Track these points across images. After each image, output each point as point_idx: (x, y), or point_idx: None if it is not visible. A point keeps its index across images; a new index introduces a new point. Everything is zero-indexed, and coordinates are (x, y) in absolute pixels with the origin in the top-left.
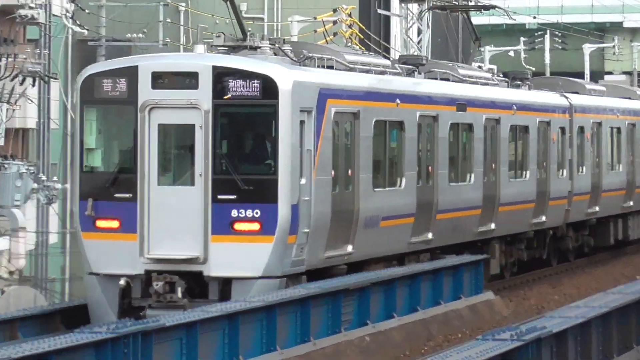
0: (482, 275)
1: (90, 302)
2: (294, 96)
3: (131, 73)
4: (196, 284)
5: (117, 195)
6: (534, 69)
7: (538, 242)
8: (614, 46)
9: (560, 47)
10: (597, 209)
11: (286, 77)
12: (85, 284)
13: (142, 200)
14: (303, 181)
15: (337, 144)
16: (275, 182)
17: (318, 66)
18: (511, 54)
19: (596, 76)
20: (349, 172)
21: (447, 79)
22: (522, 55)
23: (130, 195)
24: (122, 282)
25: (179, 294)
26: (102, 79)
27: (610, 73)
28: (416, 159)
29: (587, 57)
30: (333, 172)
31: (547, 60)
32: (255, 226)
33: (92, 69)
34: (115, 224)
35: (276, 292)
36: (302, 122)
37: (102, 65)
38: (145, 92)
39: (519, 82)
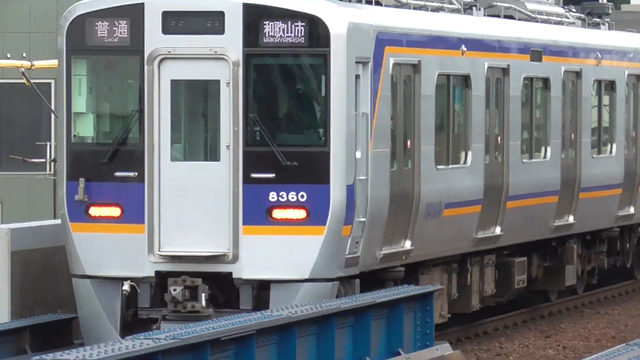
0: (432, 316)
1: (83, 314)
2: (350, 43)
3: (135, 13)
4: (223, 289)
5: (117, 174)
6: None
7: (622, 243)
8: None
9: None
10: None
11: (339, 17)
12: (76, 290)
13: (150, 180)
14: (359, 155)
15: (396, 105)
16: (326, 155)
17: (360, 1)
18: None
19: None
20: (408, 143)
21: (512, 17)
22: None
23: (135, 173)
24: (125, 287)
25: (203, 302)
26: (96, 20)
27: None
28: (484, 126)
29: None
30: (391, 144)
31: None
32: (302, 213)
33: (82, 8)
34: (115, 211)
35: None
36: (357, 77)
37: (95, 3)
38: (154, 38)
39: (597, 20)
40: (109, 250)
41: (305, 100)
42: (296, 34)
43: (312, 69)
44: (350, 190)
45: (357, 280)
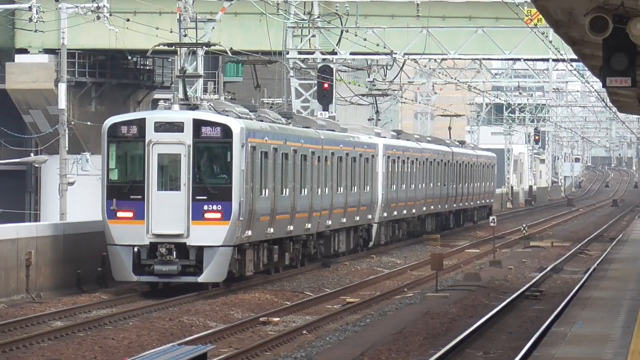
0: None
1: (113, 263)
2: (240, 136)
3: (141, 122)
4: (182, 251)
5: (132, 197)
6: None
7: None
8: (30, 8)
9: None
10: (330, 222)
11: (236, 125)
12: (110, 252)
13: (147, 199)
14: (242, 188)
15: (250, 166)
16: (230, 189)
17: (228, 116)
18: None
19: (3, 56)
20: (252, 183)
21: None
22: None
23: (141, 196)
24: (135, 249)
25: (174, 256)
26: (121, 125)
27: (24, 51)
28: (276, 176)
29: None
30: (250, 184)
31: None
32: (218, 215)
33: (113, 120)
34: (130, 214)
35: None
36: (241, 152)
37: (120, 117)
38: (150, 134)
39: (289, 121)
40: (127, 232)
41: (220, 163)
42: (216, 132)
43: (224, 149)
44: (240, 205)
45: (236, 248)
